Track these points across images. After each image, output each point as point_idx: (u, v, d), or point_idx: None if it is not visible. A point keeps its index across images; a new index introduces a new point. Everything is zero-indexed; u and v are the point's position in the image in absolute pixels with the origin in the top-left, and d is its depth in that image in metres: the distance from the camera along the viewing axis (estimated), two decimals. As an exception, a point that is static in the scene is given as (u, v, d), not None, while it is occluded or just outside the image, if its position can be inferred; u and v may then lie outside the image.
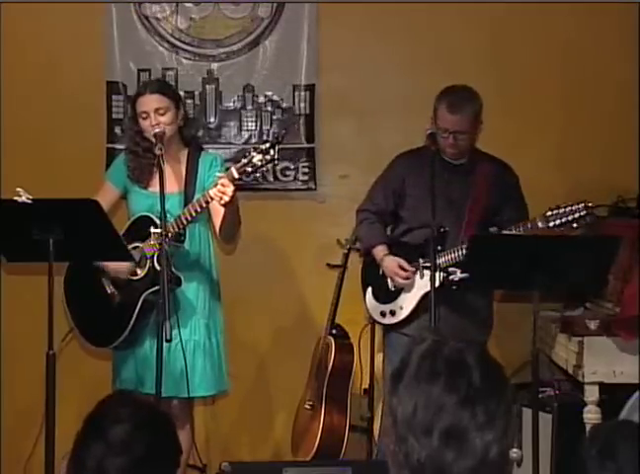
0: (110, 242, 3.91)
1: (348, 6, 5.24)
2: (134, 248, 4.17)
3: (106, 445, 2.02)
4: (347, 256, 4.97)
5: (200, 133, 5.24)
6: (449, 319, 4.17)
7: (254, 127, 5.33)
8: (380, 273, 4.51)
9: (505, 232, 4.20)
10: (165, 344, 3.81)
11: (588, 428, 4.30)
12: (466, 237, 4.23)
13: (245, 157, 3.95)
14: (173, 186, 4.22)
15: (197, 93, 5.33)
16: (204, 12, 5.33)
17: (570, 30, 5.25)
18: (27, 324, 4.93)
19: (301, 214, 5.32)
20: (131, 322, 4.18)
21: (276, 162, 4.03)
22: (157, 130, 4.16)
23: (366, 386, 4.95)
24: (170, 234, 4.03)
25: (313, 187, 5.34)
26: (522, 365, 4.61)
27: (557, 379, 4.76)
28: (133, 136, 4.33)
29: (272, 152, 3.89)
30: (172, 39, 5.32)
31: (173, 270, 4.06)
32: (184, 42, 5.33)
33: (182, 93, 5.25)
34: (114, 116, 5.26)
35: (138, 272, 4.21)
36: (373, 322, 4.73)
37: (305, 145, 5.32)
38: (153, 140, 4.16)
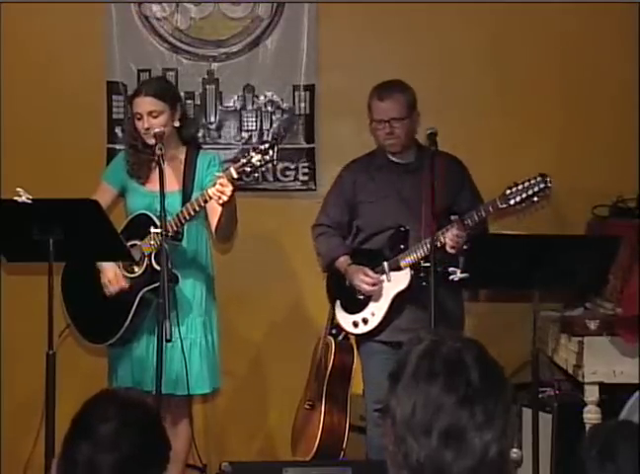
0: (110, 242, 3.91)
1: (348, 6, 5.24)
2: (132, 246, 4.17)
3: (94, 444, 2.02)
4: (347, 256, 4.96)
5: (200, 133, 5.25)
6: (421, 317, 4.16)
7: (254, 128, 5.33)
8: (347, 283, 4.49)
9: (465, 219, 4.19)
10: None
11: (588, 428, 4.29)
12: (427, 234, 4.22)
13: (244, 157, 3.95)
14: (171, 184, 4.22)
15: (197, 93, 5.33)
16: (204, 12, 5.33)
17: (570, 30, 5.25)
18: (27, 324, 4.93)
19: (301, 214, 5.31)
20: (128, 319, 4.19)
21: (275, 162, 4.04)
22: (157, 130, 4.17)
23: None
24: (169, 233, 4.04)
25: (313, 187, 5.34)
26: (522, 365, 4.61)
27: (557, 379, 4.76)
28: (132, 133, 4.34)
29: (271, 152, 3.90)
30: (172, 40, 5.32)
31: (170, 267, 4.06)
32: (184, 43, 5.32)
33: (182, 93, 5.24)
34: (114, 116, 5.26)
35: (135, 269, 4.22)
36: (349, 336, 4.68)
37: (305, 145, 5.32)
38: (152, 141, 4.18)
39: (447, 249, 4.21)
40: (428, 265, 4.16)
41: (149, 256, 4.16)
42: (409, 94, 4.45)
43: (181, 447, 4.36)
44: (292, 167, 5.31)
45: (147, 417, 2.15)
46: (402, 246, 4.37)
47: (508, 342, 4.90)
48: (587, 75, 5.27)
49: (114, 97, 5.27)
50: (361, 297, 4.46)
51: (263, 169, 4.03)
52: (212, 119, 5.34)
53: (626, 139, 5.16)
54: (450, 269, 4.23)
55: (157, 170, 4.24)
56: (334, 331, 4.86)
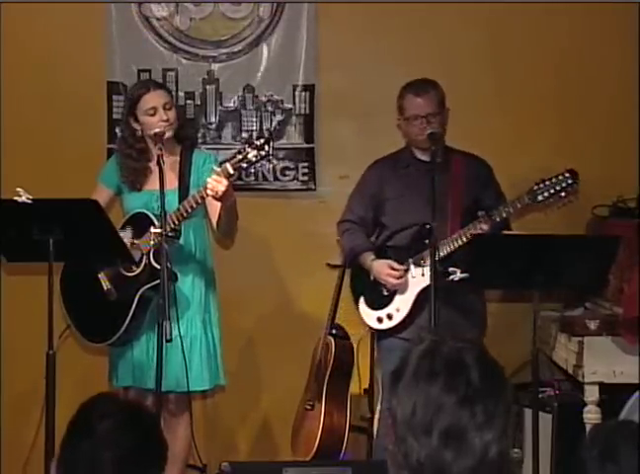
0: (110, 242, 3.91)
1: (348, 6, 5.24)
2: (131, 245, 4.17)
3: (94, 441, 2.03)
4: (347, 256, 4.97)
5: (200, 133, 5.26)
6: (446, 316, 4.17)
7: (254, 128, 5.33)
8: (371, 279, 4.50)
9: (492, 214, 4.21)
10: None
11: (588, 428, 4.30)
12: (453, 231, 4.25)
13: (239, 153, 3.96)
14: (168, 183, 4.21)
15: (197, 93, 5.33)
16: (205, 12, 5.33)
17: (569, 30, 5.25)
18: (27, 324, 4.93)
19: (301, 214, 5.32)
20: (128, 318, 4.19)
21: (270, 157, 4.04)
22: (157, 130, 4.18)
23: (366, 386, 4.95)
24: (167, 231, 4.04)
25: (313, 187, 5.34)
26: (522, 365, 4.61)
27: (557, 379, 4.76)
28: (127, 139, 4.33)
29: (266, 148, 3.90)
30: (172, 40, 5.32)
31: (169, 265, 4.05)
32: (184, 43, 5.32)
33: (182, 93, 5.28)
34: (114, 116, 5.26)
35: (134, 268, 4.22)
36: (373, 331, 4.68)
37: (305, 145, 5.32)
38: (153, 140, 4.18)
39: None
40: (454, 269, 4.19)
41: (147, 255, 4.16)
42: (440, 90, 4.51)
43: (181, 447, 4.36)
44: (292, 167, 5.32)
45: (145, 417, 2.15)
46: (426, 243, 4.36)
47: (508, 342, 4.90)
48: (586, 75, 5.27)
49: (114, 97, 5.27)
50: (386, 293, 4.47)
51: (259, 164, 4.03)
52: (212, 119, 5.34)
53: (626, 139, 5.16)
54: (450, 269, 4.23)
55: (152, 173, 4.26)
56: (334, 331, 4.87)
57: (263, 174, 5.28)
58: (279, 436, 5.24)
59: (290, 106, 5.30)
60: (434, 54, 5.26)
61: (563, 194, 4.21)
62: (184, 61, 5.32)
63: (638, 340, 4.09)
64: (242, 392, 5.28)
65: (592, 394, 4.32)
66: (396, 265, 4.42)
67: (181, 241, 4.24)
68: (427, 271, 4.33)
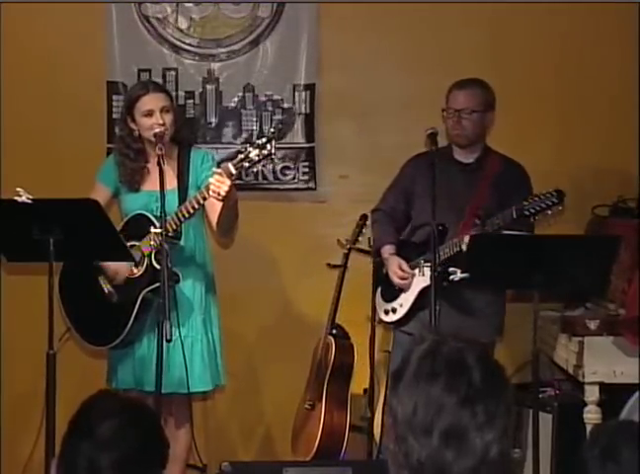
0: (110, 242, 3.91)
1: (348, 6, 5.24)
2: (131, 246, 4.16)
3: (93, 443, 2.02)
4: (347, 256, 4.97)
5: (200, 133, 5.26)
6: (449, 316, 4.16)
7: (254, 127, 5.33)
8: (386, 272, 4.57)
9: (486, 224, 4.21)
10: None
11: (588, 428, 4.30)
12: (462, 235, 4.25)
13: (241, 152, 3.95)
14: (167, 183, 4.20)
15: (197, 93, 5.33)
16: (205, 12, 5.33)
17: (570, 30, 5.25)
18: (27, 324, 4.93)
19: (301, 214, 5.32)
20: (130, 321, 4.18)
21: (273, 157, 4.03)
22: (157, 130, 4.17)
23: (366, 386, 4.95)
24: (168, 232, 4.04)
25: (313, 187, 5.34)
26: (522, 365, 4.61)
27: (557, 379, 4.76)
28: (125, 138, 4.32)
29: (269, 147, 3.89)
30: (172, 40, 5.32)
31: (170, 267, 4.04)
32: (184, 43, 5.32)
33: (182, 93, 5.27)
34: (114, 115, 5.25)
35: (134, 270, 4.21)
36: (380, 322, 4.73)
37: (305, 145, 5.32)
38: (152, 140, 4.17)
39: (463, 248, 4.22)
40: (454, 269, 4.20)
41: (149, 256, 4.15)
42: (488, 92, 4.48)
43: (181, 448, 4.36)
44: (292, 167, 5.31)
45: (146, 416, 2.15)
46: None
47: (508, 342, 4.90)
48: (586, 75, 5.27)
49: (114, 97, 5.27)
50: (396, 287, 4.54)
51: (261, 164, 4.02)
52: (212, 119, 5.34)
53: (626, 139, 5.16)
54: (451, 269, 4.24)
55: (150, 173, 4.25)
56: (334, 331, 4.87)
57: (263, 174, 5.28)
58: (279, 436, 5.24)
59: (291, 105, 5.30)
60: (434, 54, 5.26)
61: (549, 212, 4.20)
62: (184, 61, 5.32)
63: (639, 340, 4.09)
64: (242, 392, 5.28)
65: (592, 394, 4.32)
66: (405, 265, 4.46)
67: (182, 242, 4.23)
68: (429, 270, 4.34)
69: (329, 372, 4.80)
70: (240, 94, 5.32)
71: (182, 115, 4.92)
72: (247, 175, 5.21)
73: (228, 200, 4.01)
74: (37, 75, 5.30)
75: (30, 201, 3.71)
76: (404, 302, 4.51)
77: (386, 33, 5.29)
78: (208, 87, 5.33)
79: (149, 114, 4.21)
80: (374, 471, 4.06)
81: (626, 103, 5.16)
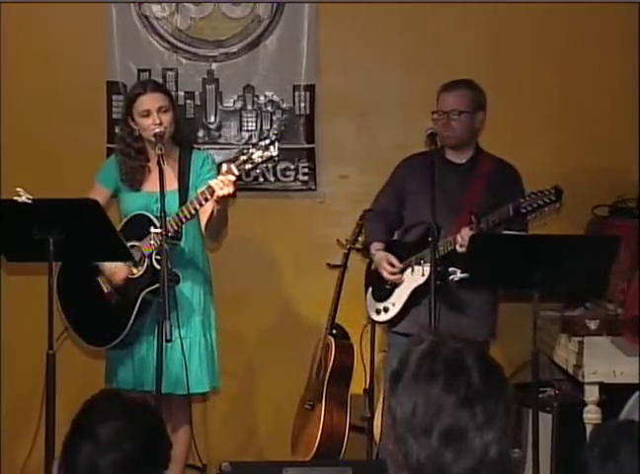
0: (110, 242, 3.91)
1: (348, 6, 5.24)
2: (132, 247, 4.16)
3: (95, 445, 2.02)
4: (347, 256, 4.97)
5: (200, 133, 5.26)
6: (444, 316, 4.16)
7: (254, 128, 5.33)
8: (375, 270, 4.56)
9: (481, 222, 4.21)
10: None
11: (588, 428, 4.30)
12: (456, 234, 4.24)
13: (244, 154, 3.96)
14: (168, 184, 4.20)
15: (197, 93, 5.33)
16: (204, 12, 5.33)
17: (570, 30, 5.25)
18: (27, 324, 4.93)
19: (301, 214, 5.32)
20: (130, 321, 4.18)
21: (276, 159, 4.03)
22: (157, 130, 4.16)
23: (366, 386, 4.94)
24: (169, 232, 4.04)
25: (313, 187, 5.34)
26: (522, 365, 4.61)
27: (557, 379, 4.76)
28: (125, 137, 4.33)
29: (272, 148, 3.90)
30: (172, 40, 5.32)
31: (170, 267, 4.04)
32: (184, 43, 5.32)
33: (182, 93, 5.27)
34: (114, 116, 5.25)
35: (134, 271, 4.21)
36: (372, 322, 4.74)
37: (305, 145, 5.32)
38: (152, 140, 4.17)
39: (457, 247, 4.22)
40: (454, 269, 4.20)
41: (150, 256, 4.15)
42: (476, 93, 4.48)
43: (181, 448, 4.36)
44: (292, 167, 5.31)
45: (149, 415, 2.14)
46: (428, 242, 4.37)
47: (508, 342, 4.90)
48: (586, 75, 5.27)
49: (114, 97, 5.27)
50: (388, 286, 4.52)
51: (264, 166, 4.02)
52: (212, 120, 5.34)
53: (626, 139, 5.16)
54: (451, 269, 4.24)
55: (151, 173, 4.25)
56: (334, 331, 4.87)
57: (263, 174, 5.28)
58: (279, 436, 5.23)
59: (290, 106, 5.30)
60: (434, 54, 5.26)
61: (546, 209, 4.20)
62: (184, 61, 5.32)
63: (639, 340, 4.09)
64: (242, 392, 5.29)
65: (592, 394, 4.33)
66: (394, 260, 4.46)
67: (181, 244, 4.23)
68: (424, 269, 4.35)
69: (329, 372, 4.80)
70: (240, 94, 5.32)
71: (182, 115, 4.92)
72: (247, 175, 5.21)
73: (223, 203, 4.02)
74: (36, 75, 5.30)
75: (30, 201, 3.71)
76: (396, 301, 4.50)
77: (386, 33, 5.29)
78: (208, 87, 5.33)
79: (146, 114, 4.21)
80: (374, 471, 4.06)
81: (626, 103, 5.16)
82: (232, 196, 4.00)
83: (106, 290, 4.27)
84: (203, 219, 4.23)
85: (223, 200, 4.01)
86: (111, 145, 5.20)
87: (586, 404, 4.35)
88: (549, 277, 3.88)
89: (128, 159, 4.32)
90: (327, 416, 4.76)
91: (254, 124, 5.33)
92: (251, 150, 3.94)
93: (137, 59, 5.28)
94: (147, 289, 4.14)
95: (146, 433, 2.07)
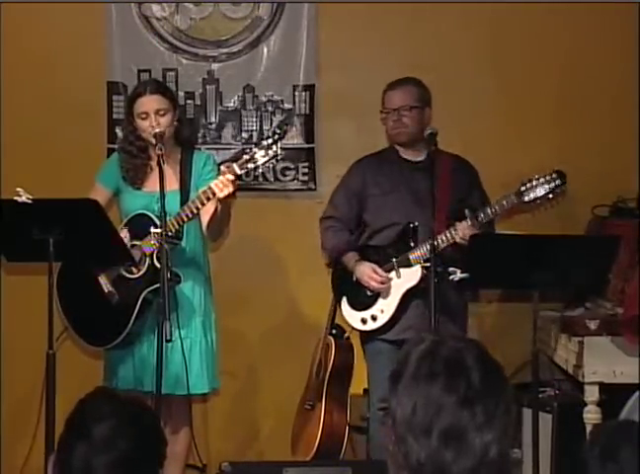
0: (110, 242, 3.91)
1: (347, 6, 5.24)
2: (132, 246, 4.16)
3: (90, 445, 2.01)
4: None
5: (200, 133, 5.26)
6: (428, 315, 4.14)
7: (254, 128, 5.33)
8: (354, 280, 4.46)
9: (478, 214, 4.21)
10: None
11: (588, 428, 4.30)
12: (440, 230, 4.22)
13: (246, 153, 3.96)
14: (169, 184, 4.18)
15: (197, 93, 5.33)
16: (205, 12, 5.33)
17: (569, 30, 5.25)
18: (27, 324, 4.93)
19: (301, 214, 5.31)
20: (131, 321, 4.17)
21: (278, 158, 4.03)
22: (157, 130, 4.16)
23: (366, 386, 4.94)
24: (170, 232, 4.04)
25: (313, 187, 5.34)
26: (522, 365, 4.61)
27: (557, 379, 4.76)
28: (128, 136, 4.33)
29: (274, 148, 3.90)
30: (172, 40, 5.32)
31: (171, 267, 4.04)
32: (184, 43, 5.32)
33: (182, 93, 5.27)
34: (114, 116, 5.26)
35: (134, 271, 4.21)
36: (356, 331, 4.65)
37: (305, 145, 5.32)
38: (152, 140, 4.17)
39: (458, 240, 4.20)
40: (428, 265, 4.17)
41: (150, 256, 4.15)
42: (422, 88, 4.48)
43: (181, 448, 4.36)
44: (292, 167, 5.32)
45: (143, 414, 2.14)
46: (412, 242, 4.35)
47: (508, 342, 4.90)
48: (586, 75, 5.27)
49: (114, 97, 5.27)
50: (370, 294, 4.43)
51: (266, 165, 4.01)
52: (212, 119, 5.34)
53: (626, 139, 5.17)
54: (450, 269, 4.23)
55: (153, 172, 4.25)
56: (334, 331, 4.87)
57: (263, 174, 5.27)
58: (278, 437, 5.23)
59: (290, 106, 5.30)
60: (434, 54, 5.26)
61: (550, 195, 4.20)
62: (184, 61, 5.32)
63: (638, 339, 4.09)
64: (242, 392, 5.28)
65: (592, 394, 4.32)
66: (379, 270, 4.37)
67: (182, 244, 4.23)
68: (413, 271, 4.31)
69: (329, 372, 4.80)
70: (240, 94, 5.32)
71: (183, 115, 4.91)
72: (247, 175, 5.21)
73: (226, 202, 4.01)
74: (37, 75, 5.30)
75: (30, 201, 3.71)
76: (385, 308, 4.40)
77: (386, 33, 5.29)
78: (208, 87, 5.33)
79: (144, 116, 4.21)
80: (374, 471, 4.06)
81: (626, 103, 5.16)
82: (232, 195, 3.99)
83: (106, 290, 4.27)
84: (205, 219, 4.22)
85: (227, 200, 4.01)
86: (111, 145, 5.20)
87: (586, 404, 4.35)
88: (549, 277, 3.88)
89: (131, 157, 4.32)
90: (327, 416, 4.76)
91: (254, 124, 5.33)
92: (254, 150, 3.94)
93: (137, 59, 5.28)
94: (148, 289, 4.14)
95: (140, 432, 2.06)
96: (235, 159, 4.17)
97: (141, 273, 4.19)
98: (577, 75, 5.28)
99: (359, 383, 4.86)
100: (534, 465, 3.95)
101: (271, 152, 3.91)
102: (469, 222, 4.21)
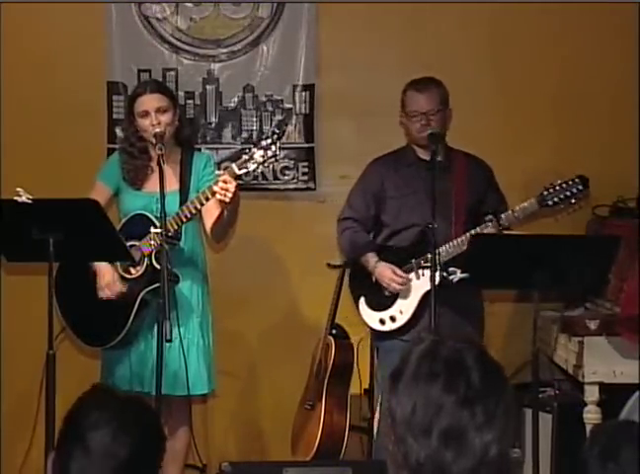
0: (110, 242, 3.91)
1: (347, 6, 5.24)
2: (131, 246, 4.16)
3: (84, 455, 2.00)
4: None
5: (200, 133, 5.26)
6: (448, 318, 4.16)
7: (254, 127, 5.33)
8: (373, 281, 4.46)
9: (500, 218, 4.21)
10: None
11: (588, 428, 4.30)
12: (458, 232, 4.24)
13: (246, 153, 3.96)
14: (169, 185, 4.18)
15: (197, 93, 5.33)
16: (205, 12, 5.33)
17: (569, 30, 5.25)
18: (27, 324, 4.93)
19: (301, 214, 5.32)
20: (129, 321, 4.17)
21: (277, 158, 4.02)
22: (157, 130, 4.16)
23: (366, 386, 4.95)
24: (169, 232, 4.04)
25: (313, 187, 5.34)
26: (522, 365, 4.61)
27: (557, 379, 4.76)
28: (129, 137, 4.33)
29: (273, 148, 3.90)
30: (172, 40, 5.32)
31: (170, 267, 4.04)
32: (184, 43, 5.33)
33: (182, 93, 5.27)
34: (114, 116, 5.26)
35: (132, 271, 4.20)
36: (375, 332, 4.64)
37: (305, 145, 5.32)
38: (152, 140, 4.17)
39: None
40: (454, 269, 4.18)
41: (149, 257, 4.15)
42: (443, 89, 4.48)
43: (181, 448, 4.36)
44: (292, 167, 5.32)
45: (143, 413, 2.12)
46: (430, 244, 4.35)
47: (508, 342, 4.91)
48: (586, 75, 5.27)
49: (114, 97, 5.27)
50: (389, 295, 4.42)
51: (265, 165, 4.00)
52: (212, 119, 5.34)
53: (626, 139, 5.17)
54: (450, 269, 4.23)
55: (153, 173, 4.25)
56: (334, 331, 4.87)
57: (263, 174, 5.27)
58: (278, 437, 5.24)
59: (290, 106, 5.30)
60: (434, 54, 5.26)
61: (573, 200, 4.20)
62: (184, 61, 5.32)
63: (638, 338, 4.09)
64: (242, 392, 5.28)
65: (592, 394, 4.33)
66: (399, 271, 4.37)
67: (181, 244, 4.23)
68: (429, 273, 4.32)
69: (329, 372, 4.80)
70: (240, 94, 5.32)
71: (183, 115, 4.91)
72: (247, 175, 5.20)
73: (232, 204, 4.01)
74: (36, 75, 5.30)
75: (30, 201, 3.71)
76: (405, 309, 4.40)
77: (386, 33, 5.29)
78: (208, 87, 5.33)
79: (145, 114, 4.22)
80: (374, 471, 4.06)
81: (626, 103, 5.16)
82: (237, 196, 3.98)
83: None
84: (209, 221, 4.22)
85: (234, 201, 4.00)
86: (111, 145, 5.20)
87: (586, 404, 4.35)
88: (549, 277, 3.87)
89: (131, 158, 4.32)
90: (327, 416, 4.76)
91: (254, 124, 5.33)
92: (253, 150, 3.94)
93: (138, 59, 5.28)
94: (146, 289, 4.14)
95: (142, 432, 2.05)
96: (234, 159, 4.17)
97: (140, 273, 4.19)
98: (576, 75, 5.28)
99: (358, 383, 4.86)
100: (534, 465, 3.95)
101: (269, 152, 3.91)
102: (492, 228, 4.21)
